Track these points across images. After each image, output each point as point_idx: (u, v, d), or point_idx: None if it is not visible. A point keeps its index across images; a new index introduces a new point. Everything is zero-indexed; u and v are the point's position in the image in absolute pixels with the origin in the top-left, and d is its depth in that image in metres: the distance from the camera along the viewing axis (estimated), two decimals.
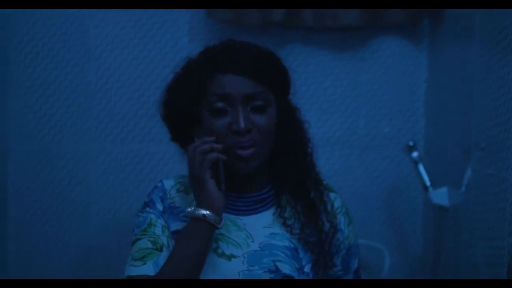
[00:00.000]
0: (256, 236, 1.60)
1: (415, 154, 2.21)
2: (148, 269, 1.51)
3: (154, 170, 2.40)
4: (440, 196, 2.11)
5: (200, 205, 1.50)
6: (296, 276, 1.56)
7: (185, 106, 1.58)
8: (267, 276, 1.55)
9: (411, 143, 2.22)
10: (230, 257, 1.56)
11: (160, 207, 1.62)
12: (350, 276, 1.68)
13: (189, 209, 1.52)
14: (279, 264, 1.56)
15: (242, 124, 1.52)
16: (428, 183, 2.16)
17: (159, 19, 2.42)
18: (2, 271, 2.40)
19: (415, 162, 2.20)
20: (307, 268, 1.59)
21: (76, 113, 2.41)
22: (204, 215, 1.49)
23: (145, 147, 2.43)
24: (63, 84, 2.41)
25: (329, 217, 1.65)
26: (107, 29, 2.40)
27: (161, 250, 1.55)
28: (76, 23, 2.38)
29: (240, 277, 1.55)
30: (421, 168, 2.19)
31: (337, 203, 1.68)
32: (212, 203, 1.49)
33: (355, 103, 2.47)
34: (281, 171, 1.63)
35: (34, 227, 2.42)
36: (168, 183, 1.67)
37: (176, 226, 1.59)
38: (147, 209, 1.62)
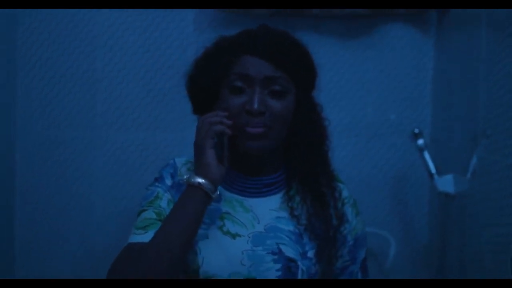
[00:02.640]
0: (262, 218, 1.61)
1: (420, 141, 2.21)
2: (148, 237, 1.52)
3: (159, 158, 2.40)
4: (446, 183, 2.10)
5: (197, 173, 1.52)
6: (299, 260, 1.57)
7: (208, 82, 1.61)
8: (270, 257, 1.56)
9: (416, 131, 2.22)
10: (234, 236, 1.58)
11: (169, 182, 1.65)
12: (356, 266, 1.69)
13: (186, 176, 1.54)
14: (282, 247, 1.58)
15: (256, 105, 1.54)
16: (433, 170, 2.16)
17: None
18: (9, 255, 2.41)
19: (421, 150, 2.20)
20: (310, 254, 1.60)
21: (82, 100, 2.41)
22: (199, 183, 1.51)
23: (151, 135, 2.43)
24: (69, 72, 2.41)
25: (337, 207, 1.66)
26: (114, 16, 2.40)
27: None
28: (83, 10, 2.38)
29: (244, 256, 1.56)
30: (426, 155, 2.19)
31: (344, 194, 1.69)
32: (208, 172, 1.51)
33: (362, 91, 2.46)
34: (294, 161, 1.64)
35: (40, 213, 2.42)
36: (180, 161, 1.70)
37: None
38: (156, 183, 1.66)
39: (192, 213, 1.51)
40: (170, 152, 2.41)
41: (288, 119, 1.60)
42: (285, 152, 1.65)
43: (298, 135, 1.63)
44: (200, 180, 1.51)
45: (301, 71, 1.61)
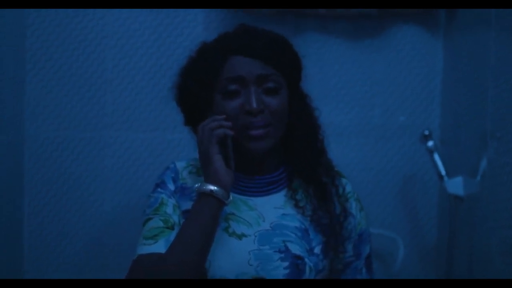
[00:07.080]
0: (267, 216, 1.61)
1: (430, 143, 2.20)
2: (159, 247, 1.53)
3: (169, 158, 2.40)
4: (456, 185, 2.10)
5: (207, 181, 1.52)
6: (306, 257, 1.57)
7: (198, 89, 1.60)
8: (277, 255, 1.56)
9: (426, 132, 2.21)
10: (240, 236, 1.58)
11: (171, 187, 1.64)
12: (361, 262, 1.69)
13: (197, 185, 1.53)
14: (289, 245, 1.57)
15: (255, 104, 1.54)
16: (443, 172, 2.16)
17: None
18: (18, 256, 2.41)
19: (431, 152, 2.20)
20: (317, 250, 1.60)
21: (92, 100, 2.42)
22: (211, 190, 1.50)
23: (160, 135, 2.43)
24: (79, 71, 2.41)
25: (341, 200, 1.66)
26: (123, 17, 2.40)
27: (172, 228, 1.57)
28: (92, 11, 2.38)
29: (251, 256, 1.55)
30: (436, 157, 2.18)
31: (348, 188, 1.70)
32: (219, 179, 1.51)
33: (370, 92, 2.46)
34: (293, 155, 1.65)
35: (49, 213, 2.43)
36: (180, 165, 1.70)
37: (187, 206, 1.61)
38: (158, 189, 1.65)
39: (208, 222, 1.50)
40: (180, 152, 2.41)
41: (286, 113, 1.61)
42: (285, 148, 1.66)
43: (294, 128, 1.63)
44: (212, 187, 1.50)
45: (289, 64, 1.62)
